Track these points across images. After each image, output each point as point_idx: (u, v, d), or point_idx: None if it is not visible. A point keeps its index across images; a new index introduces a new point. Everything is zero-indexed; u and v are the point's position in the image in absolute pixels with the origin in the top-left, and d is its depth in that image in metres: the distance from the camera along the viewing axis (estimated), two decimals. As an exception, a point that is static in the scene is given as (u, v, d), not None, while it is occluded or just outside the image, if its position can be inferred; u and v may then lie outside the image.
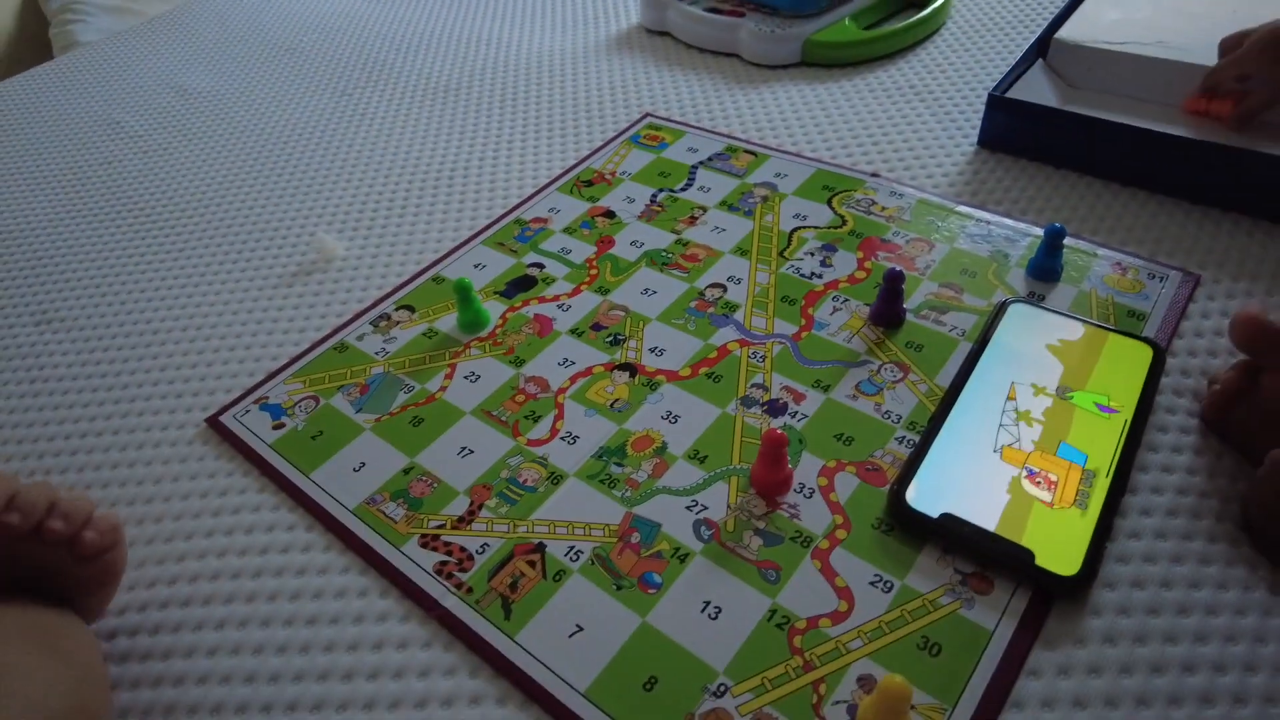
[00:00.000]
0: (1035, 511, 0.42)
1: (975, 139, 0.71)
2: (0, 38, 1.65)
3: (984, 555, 0.41)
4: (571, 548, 0.44)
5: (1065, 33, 0.76)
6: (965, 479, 0.44)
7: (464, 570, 0.44)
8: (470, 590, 0.43)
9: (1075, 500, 0.43)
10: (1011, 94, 0.71)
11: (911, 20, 0.85)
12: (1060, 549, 0.41)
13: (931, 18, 0.86)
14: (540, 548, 0.45)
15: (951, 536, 0.42)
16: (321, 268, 0.68)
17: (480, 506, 0.47)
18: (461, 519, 0.47)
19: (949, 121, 0.74)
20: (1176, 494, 0.44)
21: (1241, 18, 0.74)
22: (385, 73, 0.95)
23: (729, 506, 0.45)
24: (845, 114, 0.77)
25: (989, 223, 0.62)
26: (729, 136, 0.75)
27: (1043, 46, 0.76)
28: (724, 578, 0.42)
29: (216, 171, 0.82)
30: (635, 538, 0.44)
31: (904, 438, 0.48)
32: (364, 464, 0.51)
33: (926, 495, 0.43)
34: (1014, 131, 0.69)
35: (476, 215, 0.71)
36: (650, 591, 0.42)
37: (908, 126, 0.74)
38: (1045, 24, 0.78)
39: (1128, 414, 0.47)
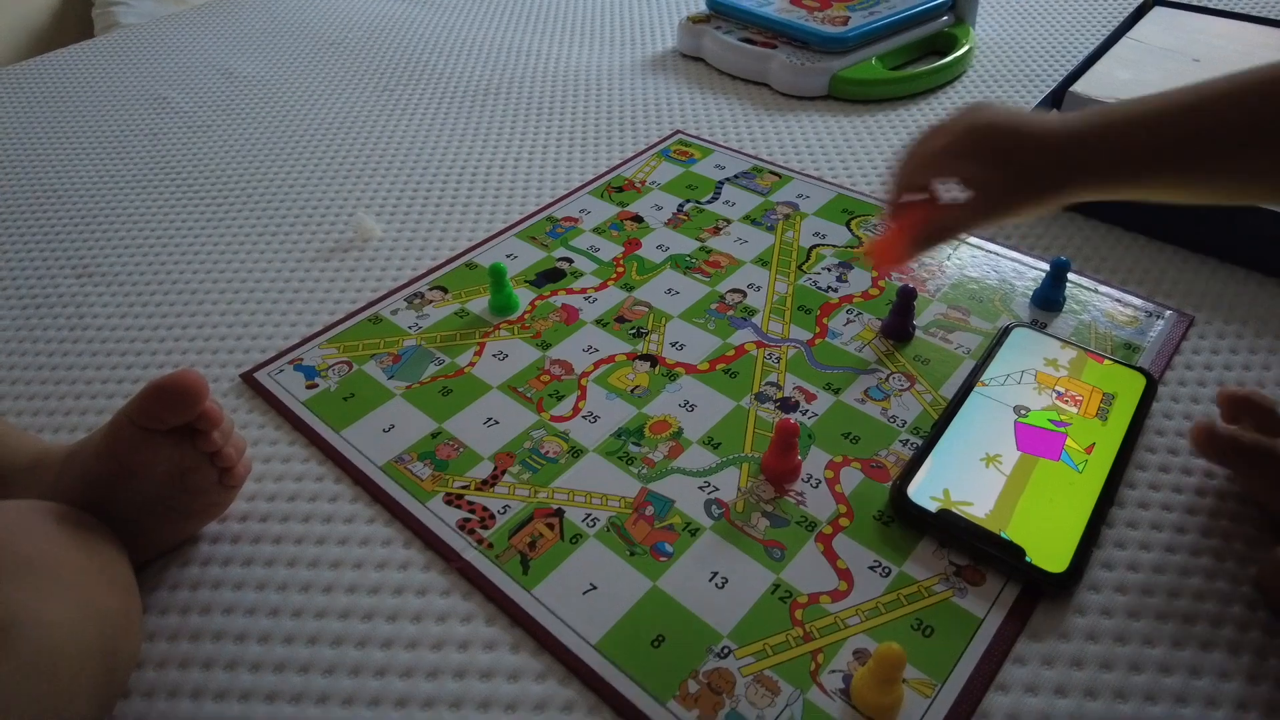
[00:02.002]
0: (1028, 513, 0.45)
1: (989, 178, 0.75)
2: (43, 16, 1.70)
3: (978, 550, 0.44)
4: (589, 515, 0.47)
5: (1080, 87, 0.80)
6: (963, 479, 0.47)
7: (485, 528, 0.47)
8: (491, 546, 0.46)
9: (1097, 414, 0.49)
10: (1026, 139, 0.74)
11: (935, 65, 0.90)
12: (1050, 549, 0.43)
13: (954, 64, 0.91)
14: (559, 512, 0.47)
15: (948, 530, 0.44)
16: (359, 246, 0.71)
17: (503, 472, 0.50)
18: (485, 481, 0.49)
19: (965, 161, 0.78)
20: (1161, 509, 0.47)
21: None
22: (427, 73, 0.99)
23: (739, 490, 0.48)
24: (867, 146, 0.81)
25: (998, 254, 0.65)
26: (755, 158, 0.79)
27: (1058, 98, 0.81)
28: (732, 552, 0.45)
29: (261, 150, 0.86)
30: (649, 510, 0.47)
31: (908, 441, 0.51)
32: (393, 426, 0.53)
33: (926, 492, 0.46)
34: (1026, 173, 0.72)
35: (510, 210, 0.74)
36: (661, 559, 0.44)
37: (925, 162, 0.78)
38: (1063, 74, 0.82)
39: (1119, 434, 0.50)
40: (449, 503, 0.48)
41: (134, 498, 0.43)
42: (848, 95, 0.88)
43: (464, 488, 0.49)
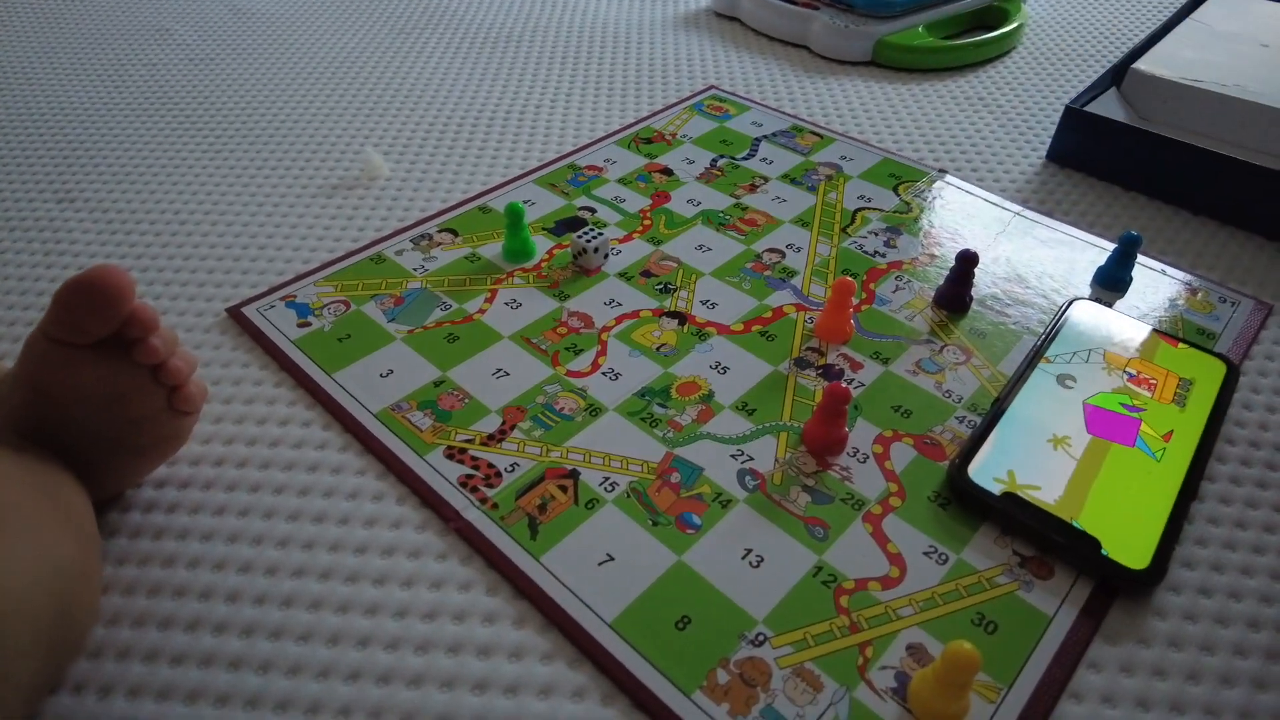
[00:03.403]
0: (1102, 503, 0.40)
1: (1044, 153, 0.70)
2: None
3: (1046, 539, 0.39)
4: (606, 478, 0.42)
5: (1143, 64, 0.75)
6: (1028, 461, 0.42)
7: (491, 486, 0.41)
8: (496, 506, 0.40)
9: (1174, 399, 0.45)
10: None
11: (986, 37, 0.85)
12: (1127, 542, 0.38)
13: (1005, 37, 0.85)
14: (574, 474, 0.42)
15: (1013, 517, 0.39)
16: (365, 185, 0.66)
17: (513, 427, 0.44)
18: (492, 436, 0.44)
19: (1017, 134, 0.73)
20: (1245, 506, 0.42)
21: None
22: (445, 17, 0.94)
23: (777, 460, 0.43)
24: (914, 113, 0.75)
25: (1056, 229, 0.60)
26: (794, 117, 0.73)
27: (1118, 75, 0.75)
28: (768, 528, 0.40)
29: (266, 85, 0.80)
30: (675, 477, 0.42)
31: (965, 418, 0.45)
32: (392, 371, 0.48)
33: (989, 472, 0.41)
34: (1087, 148, 0.67)
35: (529, 156, 0.69)
36: (689, 531, 0.39)
37: (975, 133, 0.73)
38: (1116, 56, 0.77)
39: (1199, 422, 0.44)
40: (450, 457, 0.43)
41: (66, 432, 0.37)
42: (892, 62, 0.83)
43: (468, 441, 0.44)
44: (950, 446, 0.44)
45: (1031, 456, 0.42)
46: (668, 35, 0.90)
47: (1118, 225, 0.62)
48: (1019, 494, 0.40)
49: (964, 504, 0.41)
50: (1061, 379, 0.47)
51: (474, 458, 0.43)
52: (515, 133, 0.72)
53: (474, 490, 0.41)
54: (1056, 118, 0.69)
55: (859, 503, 0.41)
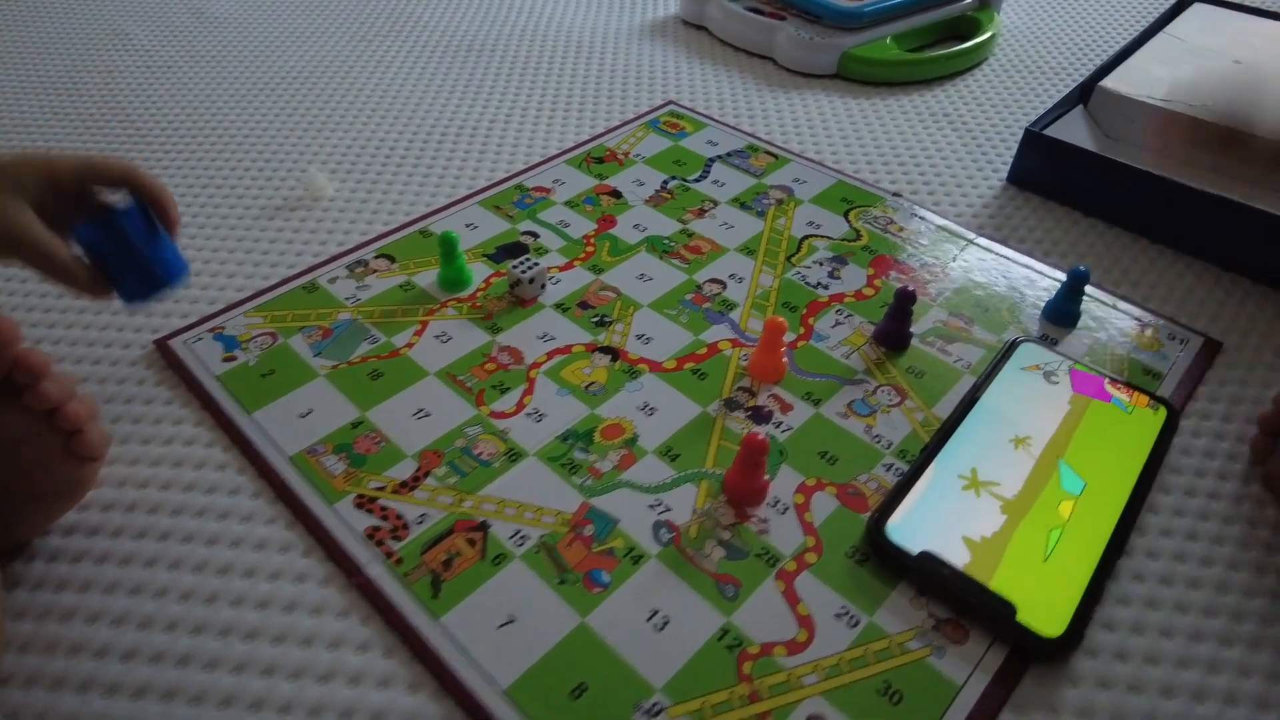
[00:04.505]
0: (1023, 562, 0.39)
1: (1005, 174, 0.68)
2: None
3: (962, 602, 0.38)
4: (517, 531, 0.41)
5: (1110, 82, 0.73)
6: (952, 518, 0.41)
7: (397, 538, 0.41)
8: (400, 561, 0.40)
9: (1149, 405, 0.46)
10: (1047, 134, 0.68)
11: (954, 50, 0.83)
12: (1045, 606, 0.37)
13: (975, 50, 0.84)
14: (484, 526, 0.41)
15: (929, 577, 0.38)
16: (308, 205, 0.65)
17: (427, 473, 0.43)
18: (405, 484, 0.43)
19: (979, 154, 0.72)
20: (1173, 559, 0.41)
21: (1295, 90, 0.72)
22: (411, 24, 0.92)
23: (695, 511, 0.42)
24: (874, 131, 0.74)
25: (1009, 259, 0.59)
26: (751, 135, 0.72)
27: (1085, 93, 0.74)
28: (677, 586, 0.39)
29: (220, 95, 0.79)
30: (589, 530, 0.41)
31: (892, 465, 0.44)
32: (311, 411, 0.47)
33: (908, 529, 0.40)
34: (1046, 171, 0.66)
35: (477, 176, 0.68)
36: (595, 590, 0.38)
37: (936, 153, 0.71)
38: (1092, 69, 0.75)
39: (1132, 472, 0.43)
40: (360, 506, 0.42)
41: None
42: (857, 76, 0.81)
43: (379, 489, 0.43)
44: (874, 497, 0.43)
45: (956, 511, 0.41)
46: (632, 45, 0.88)
47: (1074, 254, 0.61)
48: (936, 555, 0.39)
49: (881, 561, 0.40)
50: (996, 426, 0.45)
51: (383, 507, 0.42)
52: (466, 150, 0.71)
53: (380, 543, 0.40)
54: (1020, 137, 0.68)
55: (774, 558, 0.40)
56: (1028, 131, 0.65)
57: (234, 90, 0.79)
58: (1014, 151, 0.69)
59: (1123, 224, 0.63)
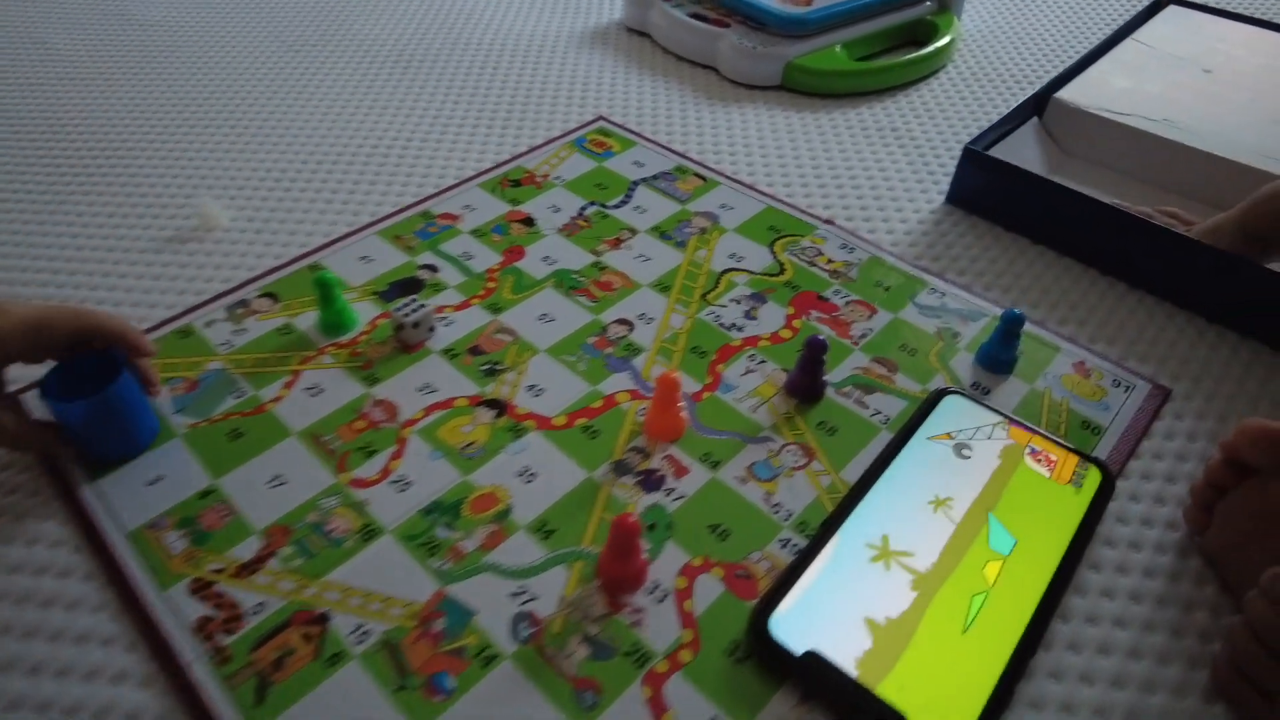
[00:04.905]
0: (936, 643, 0.34)
1: (945, 196, 0.64)
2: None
3: (847, 710, 0.34)
4: (360, 626, 0.36)
5: (1067, 94, 0.69)
6: (854, 598, 0.36)
7: (229, 631, 0.36)
8: (228, 659, 0.35)
9: (1071, 480, 0.42)
10: (997, 151, 0.63)
11: (906, 58, 0.78)
12: (945, 712, 0.33)
13: (930, 58, 0.79)
14: (324, 619, 0.37)
15: (813, 681, 0.34)
16: (199, 238, 0.60)
17: (272, 554, 0.39)
18: (246, 566, 0.39)
19: (925, 173, 0.67)
20: (1097, 653, 0.37)
21: (1262, 106, 0.67)
22: (343, 33, 0.87)
23: (562, 600, 0.37)
24: (814, 148, 0.69)
25: (943, 294, 0.54)
26: (682, 155, 0.67)
27: (1040, 104, 0.69)
28: (529, 695, 0.34)
29: (125, 112, 0.74)
30: (439, 624, 0.36)
31: (789, 541, 0.40)
32: (160, 478, 0.43)
33: (795, 624, 0.35)
34: (988, 193, 0.61)
35: (383, 202, 0.63)
36: (437, 698, 0.34)
37: (879, 173, 0.67)
38: (1054, 75, 0.70)
39: (1060, 542, 0.39)
40: (195, 592, 0.38)
41: None
42: (802, 87, 0.76)
43: (218, 571, 0.39)
44: (765, 580, 0.38)
45: (857, 588, 0.37)
46: (569, 54, 0.83)
47: (1017, 287, 0.56)
48: (821, 654, 0.34)
49: (762, 660, 0.35)
50: (903, 499, 0.41)
51: (219, 594, 0.38)
52: (375, 173, 0.66)
53: (209, 637, 0.36)
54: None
55: (644, 657, 0.35)
56: (967, 149, 0.61)
57: (138, 108, 0.75)
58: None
59: (1072, 253, 0.58)
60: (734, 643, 0.36)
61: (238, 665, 0.35)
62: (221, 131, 0.71)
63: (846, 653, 0.35)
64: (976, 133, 0.71)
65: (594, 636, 0.36)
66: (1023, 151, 0.66)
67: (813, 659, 0.34)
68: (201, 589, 0.38)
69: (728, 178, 0.64)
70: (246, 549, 0.39)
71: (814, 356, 0.45)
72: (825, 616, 0.36)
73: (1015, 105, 0.67)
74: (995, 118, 0.74)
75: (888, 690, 0.33)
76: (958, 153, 0.69)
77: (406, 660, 0.35)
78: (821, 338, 0.45)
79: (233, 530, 0.40)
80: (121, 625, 0.38)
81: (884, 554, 0.38)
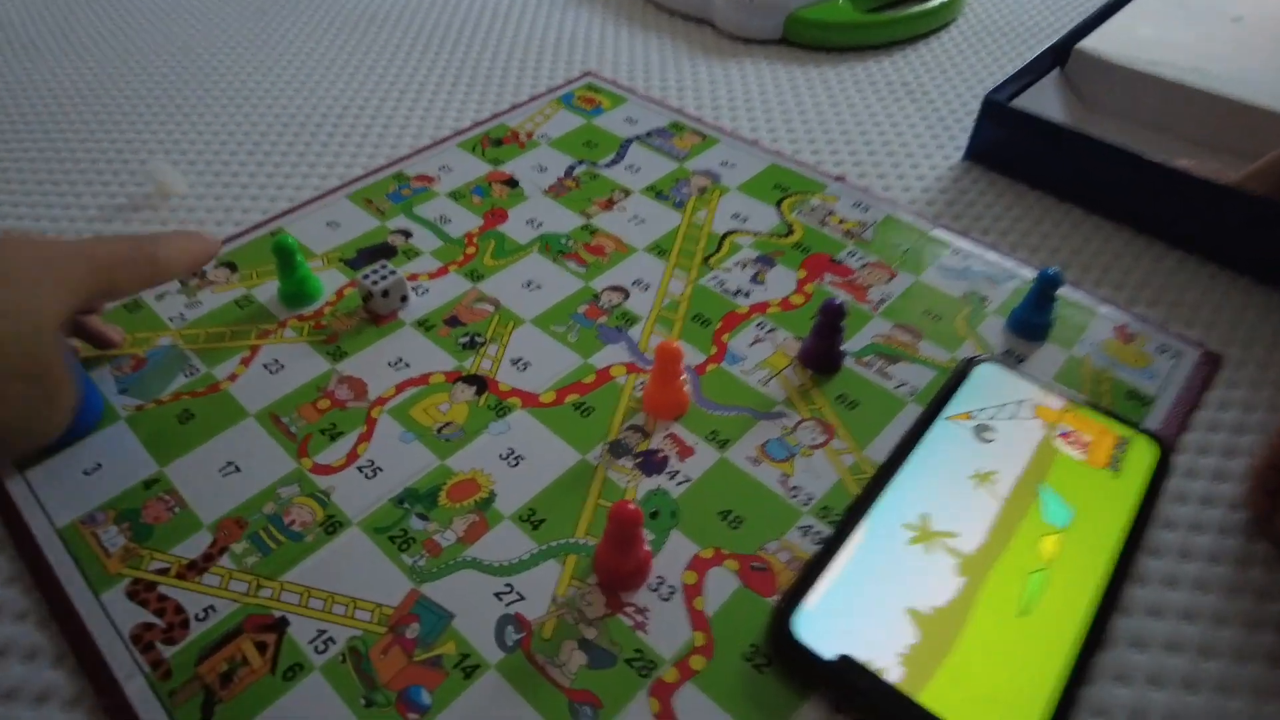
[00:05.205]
0: (977, 653, 0.30)
1: (964, 151, 0.59)
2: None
3: (888, 722, 0.29)
4: (322, 632, 0.32)
5: (1090, 43, 0.64)
6: (885, 601, 0.32)
7: (171, 641, 0.32)
8: (169, 674, 0.31)
9: (1109, 464, 0.37)
10: (1017, 103, 0.58)
11: (917, 9, 0.73)
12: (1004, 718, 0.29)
13: (942, 9, 0.74)
14: (281, 624, 0.32)
15: (848, 690, 0.30)
16: (154, 205, 0.55)
17: (223, 550, 0.34)
18: (193, 564, 0.34)
19: (940, 129, 0.62)
20: (1165, 650, 0.32)
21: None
22: (305, -11, 0.82)
23: (554, 600, 0.33)
24: (820, 104, 0.64)
25: (968, 255, 0.50)
26: (678, 111, 0.62)
27: (1061, 55, 0.64)
28: (519, 710, 0.30)
29: (77, 79, 0.68)
30: (413, 629, 0.32)
31: (810, 528, 0.35)
32: (99, 465, 0.38)
33: (824, 622, 0.31)
34: (1010, 147, 0.56)
35: (353, 164, 0.58)
36: (411, 716, 0.29)
37: (891, 128, 0.62)
38: (1068, 30, 0.65)
39: (1113, 534, 0.35)
40: (134, 595, 0.33)
41: None
42: (805, 41, 0.71)
43: (162, 571, 0.34)
44: (785, 573, 0.34)
45: (897, 576, 0.32)
46: (554, 9, 0.78)
47: (1046, 247, 0.51)
48: (857, 661, 0.30)
49: (786, 667, 0.31)
50: (938, 481, 0.36)
51: (162, 597, 0.33)
52: (346, 134, 0.61)
53: (148, 648, 0.31)
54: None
55: (649, 665, 0.31)
56: (988, 100, 0.56)
57: (95, 67, 0.69)
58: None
59: (1103, 211, 0.54)
60: (753, 646, 0.31)
61: (180, 680, 0.30)
62: (179, 91, 0.66)
63: (888, 651, 0.30)
64: (993, 87, 0.67)
65: (591, 641, 0.31)
66: (1044, 105, 0.61)
67: (848, 664, 0.30)
68: (142, 592, 0.33)
69: (728, 134, 0.59)
70: (194, 545, 0.35)
71: (831, 322, 0.40)
72: (860, 611, 0.31)
73: (1034, 57, 0.63)
74: (1012, 71, 0.69)
75: (936, 692, 0.29)
76: (974, 108, 0.64)
77: (375, 672, 0.30)
78: (839, 301, 0.40)
79: (179, 524, 0.35)
80: (47, 635, 0.33)
81: (924, 535, 0.34)
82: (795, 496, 0.36)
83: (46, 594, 0.33)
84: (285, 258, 0.44)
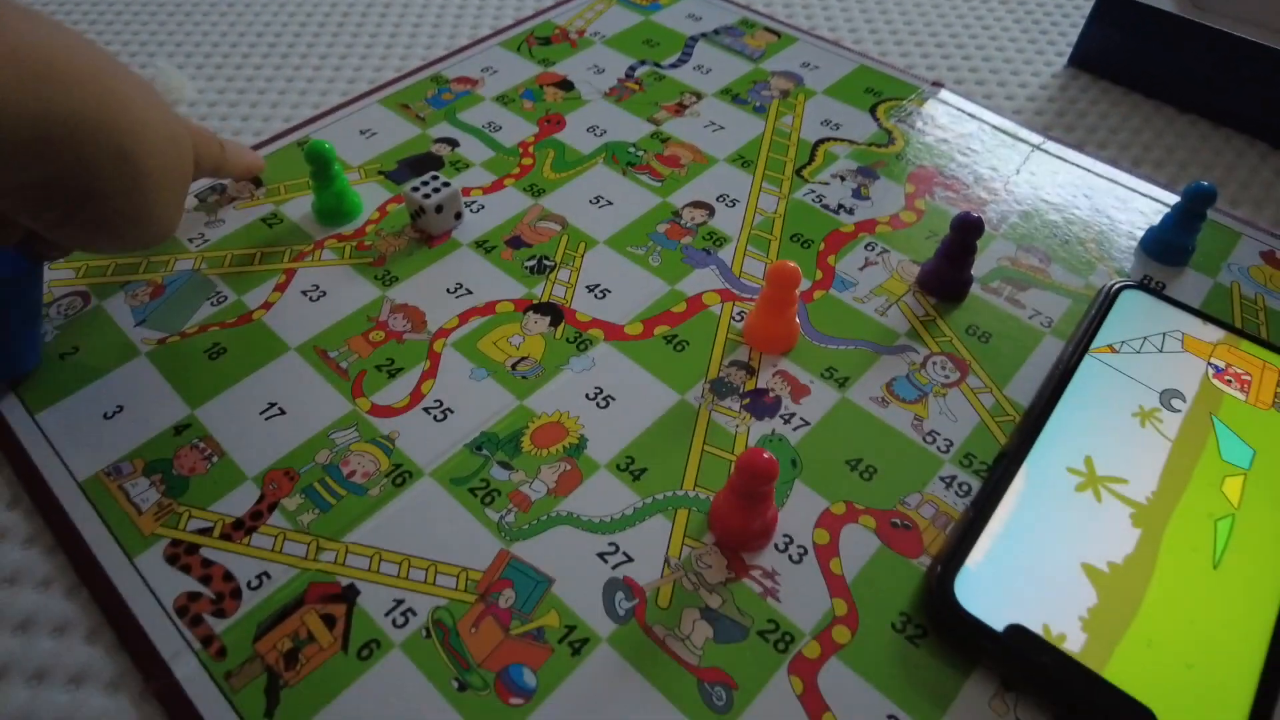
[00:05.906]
0: (1177, 593, 0.26)
1: (1066, 58, 0.53)
2: None
3: (1073, 704, 0.25)
4: (399, 602, 0.27)
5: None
6: (1056, 558, 0.27)
7: (222, 614, 0.27)
8: (223, 652, 0.26)
9: (1274, 402, 0.32)
10: (1133, -1, 0.52)
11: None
12: (1200, 703, 0.24)
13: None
14: (349, 593, 0.27)
15: (1022, 665, 0.25)
16: (157, 110, 0.49)
17: (274, 506, 0.30)
18: (240, 523, 0.29)
19: (1036, 32, 0.55)
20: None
21: None
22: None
23: (668, 562, 0.28)
24: (904, 5, 0.57)
25: (1088, 171, 0.44)
26: (745, 8, 0.55)
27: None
28: (641, 692, 0.25)
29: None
30: (507, 597, 0.27)
31: (953, 478, 0.31)
32: (121, 408, 0.33)
33: (987, 589, 0.26)
34: (1123, 51, 0.50)
35: (383, 66, 0.51)
36: (514, 702, 0.25)
37: (983, 31, 0.55)
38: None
39: (1300, 485, 0.30)
40: (173, 560, 0.28)
41: None
42: (879, -69, 0.64)
43: (203, 531, 0.29)
44: (932, 531, 0.29)
45: (1065, 528, 0.28)
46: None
47: (1171, 162, 0.46)
48: (1031, 630, 0.26)
49: (947, 639, 0.26)
50: (1100, 423, 0.32)
51: (207, 562, 0.28)
52: (373, 34, 0.54)
53: (196, 621, 0.27)
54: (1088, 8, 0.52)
55: (786, 638, 0.26)
56: (1106, -6, 0.49)
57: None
58: (1079, 29, 0.53)
59: (1232, 123, 0.48)
60: (903, 615, 0.27)
61: (238, 660, 0.26)
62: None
63: (1064, 616, 0.26)
64: (1094, -16, 0.60)
65: (716, 610, 0.27)
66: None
67: (1020, 634, 0.25)
68: (183, 556, 0.28)
69: (806, 33, 0.53)
70: (239, 501, 0.30)
71: (965, 241, 0.35)
72: (1027, 571, 0.27)
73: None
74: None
75: (1124, 662, 0.25)
76: (1070, 10, 0.58)
77: (466, 648, 0.26)
78: (976, 214, 0.34)
79: (219, 476, 0.30)
80: (78, 604, 0.28)
81: (1091, 479, 0.29)
82: (933, 443, 0.32)
83: (72, 557, 0.29)
84: (321, 166, 0.38)
